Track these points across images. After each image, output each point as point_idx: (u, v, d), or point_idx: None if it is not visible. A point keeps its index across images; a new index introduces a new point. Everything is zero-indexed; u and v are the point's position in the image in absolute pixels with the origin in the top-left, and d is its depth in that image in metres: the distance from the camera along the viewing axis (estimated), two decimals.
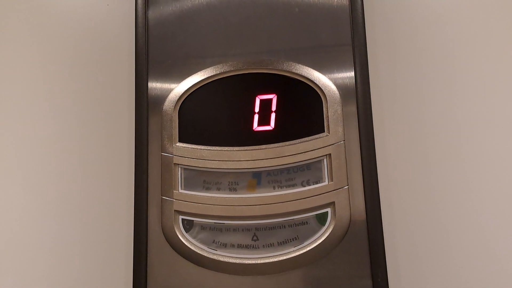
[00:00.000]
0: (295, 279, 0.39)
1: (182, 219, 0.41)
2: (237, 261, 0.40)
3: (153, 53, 0.44)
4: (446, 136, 0.44)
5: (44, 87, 0.50)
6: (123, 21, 0.49)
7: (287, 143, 0.41)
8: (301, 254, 0.39)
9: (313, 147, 0.40)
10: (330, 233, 0.39)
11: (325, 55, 0.42)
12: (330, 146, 0.40)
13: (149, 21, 0.45)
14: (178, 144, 0.42)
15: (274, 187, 0.41)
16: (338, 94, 0.41)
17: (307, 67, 0.42)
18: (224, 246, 0.40)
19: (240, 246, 0.40)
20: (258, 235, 0.40)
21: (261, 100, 0.42)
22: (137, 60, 0.44)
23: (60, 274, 0.46)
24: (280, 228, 0.40)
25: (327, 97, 0.41)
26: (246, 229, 0.40)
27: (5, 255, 0.47)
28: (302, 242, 0.40)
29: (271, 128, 0.41)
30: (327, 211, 0.40)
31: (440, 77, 0.45)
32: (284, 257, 0.39)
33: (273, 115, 0.41)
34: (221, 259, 0.40)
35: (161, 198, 0.41)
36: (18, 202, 0.48)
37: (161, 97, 0.43)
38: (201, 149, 0.41)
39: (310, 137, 0.41)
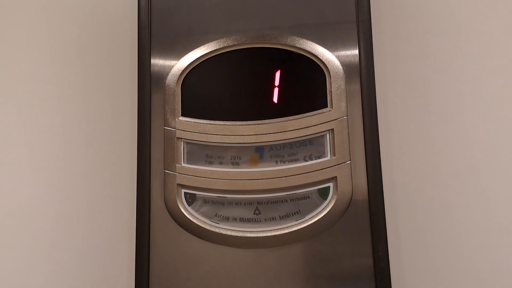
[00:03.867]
0: (296, 253, 0.40)
1: (184, 192, 0.41)
2: (239, 234, 0.40)
3: (156, 27, 0.44)
4: (450, 112, 0.44)
5: (47, 63, 0.50)
6: None
7: (290, 118, 0.41)
8: (303, 228, 0.40)
9: (316, 122, 0.40)
10: (331, 208, 0.40)
11: (329, 30, 0.42)
12: (333, 121, 0.40)
13: None
14: (181, 118, 0.42)
15: (276, 162, 0.41)
16: (342, 69, 0.41)
17: (310, 42, 0.42)
18: (226, 219, 0.41)
19: (242, 220, 0.40)
20: (260, 209, 0.40)
21: (264, 75, 0.41)
22: (140, 34, 0.43)
23: (63, 247, 0.46)
24: (282, 202, 0.40)
25: (330, 72, 0.41)
26: (248, 203, 0.40)
27: (9, 227, 0.47)
28: (303, 216, 0.40)
29: (274, 103, 0.41)
30: (329, 186, 0.40)
31: (445, 54, 0.45)
32: (286, 231, 0.40)
33: (276, 90, 0.41)
34: (223, 232, 0.40)
35: (164, 172, 0.41)
36: (22, 176, 0.48)
37: (164, 71, 0.43)
38: (203, 123, 0.42)
39: (313, 112, 0.41)
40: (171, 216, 0.41)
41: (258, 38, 0.42)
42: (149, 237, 0.41)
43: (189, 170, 0.41)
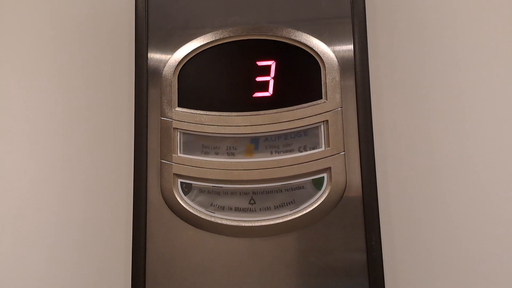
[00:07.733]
0: (291, 242, 0.40)
1: (181, 182, 0.42)
2: (234, 223, 0.41)
3: (153, 19, 0.44)
4: (443, 105, 0.45)
5: (44, 56, 0.50)
6: None
7: (285, 109, 0.41)
8: (297, 217, 0.40)
9: (311, 113, 0.41)
10: (325, 198, 0.40)
11: (325, 24, 0.42)
12: (328, 113, 0.41)
13: None
14: (177, 109, 0.42)
15: (271, 152, 0.41)
16: (336, 61, 0.41)
17: (306, 34, 0.42)
18: (221, 209, 0.41)
19: (237, 209, 0.41)
20: (255, 198, 0.41)
21: (260, 66, 0.42)
22: (137, 26, 0.44)
23: (60, 236, 0.47)
24: (276, 192, 0.41)
25: (325, 64, 0.41)
26: (243, 192, 0.41)
27: (8, 216, 0.48)
28: (298, 206, 0.41)
29: (270, 94, 0.42)
30: (323, 176, 0.41)
31: (438, 47, 0.45)
32: (280, 220, 0.40)
33: (271, 81, 0.42)
34: (219, 221, 0.41)
35: (161, 161, 0.42)
36: (23, 167, 0.49)
37: (161, 62, 0.43)
38: (200, 114, 0.42)
39: (308, 103, 0.41)
40: (168, 205, 0.42)
41: (254, 30, 0.42)
42: (145, 226, 0.42)
43: (185, 160, 0.42)
